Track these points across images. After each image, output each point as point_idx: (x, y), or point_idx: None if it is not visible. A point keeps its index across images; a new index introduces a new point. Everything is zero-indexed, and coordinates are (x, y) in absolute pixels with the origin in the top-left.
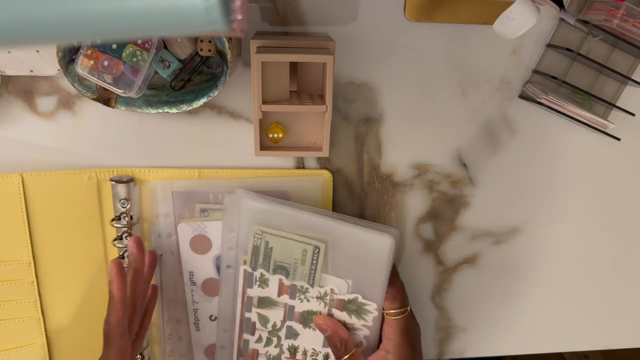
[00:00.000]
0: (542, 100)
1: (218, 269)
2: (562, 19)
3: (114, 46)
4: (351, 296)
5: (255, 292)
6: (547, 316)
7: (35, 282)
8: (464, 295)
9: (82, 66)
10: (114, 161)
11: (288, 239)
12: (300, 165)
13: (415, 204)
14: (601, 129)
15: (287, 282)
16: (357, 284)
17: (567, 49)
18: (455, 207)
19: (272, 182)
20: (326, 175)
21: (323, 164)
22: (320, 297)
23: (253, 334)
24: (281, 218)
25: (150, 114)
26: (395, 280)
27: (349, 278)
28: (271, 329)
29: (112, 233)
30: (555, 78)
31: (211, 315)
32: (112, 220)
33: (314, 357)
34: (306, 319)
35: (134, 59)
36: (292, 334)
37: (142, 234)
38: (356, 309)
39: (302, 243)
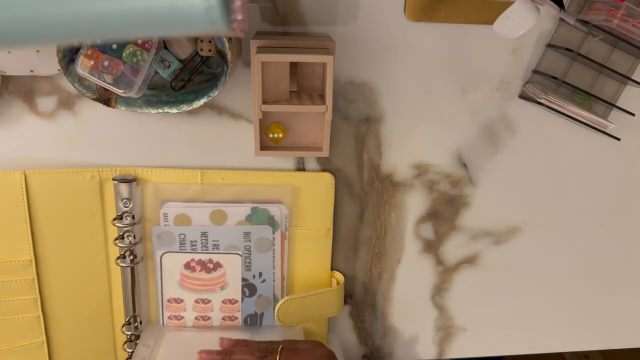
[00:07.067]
0: (542, 100)
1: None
2: (562, 19)
3: (114, 46)
4: None
5: None
6: (547, 316)
7: (35, 280)
8: (464, 295)
9: (83, 66)
10: (114, 161)
11: None
12: (301, 165)
13: (415, 204)
14: (601, 129)
15: None
16: None
17: (567, 49)
18: (455, 207)
19: (274, 184)
20: (328, 177)
21: (323, 164)
22: None
23: None
24: None
25: (150, 114)
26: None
27: None
28: None
29: (113, 232)
30: (555, 78)
31: None
32: (114, 219)
33: None
34: None
35: (134, 59)
36: None
37: (144, 233)
38: None
39: None
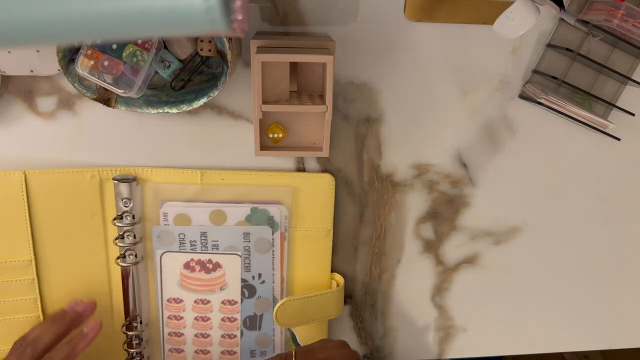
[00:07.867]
0: (542, 100)
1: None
2: (562, 19)
3: (114, 46)
4: None
5: None
6: (547, 316)
7: (35, 280)
8: (464, 295)
9: (83, 66)
10: (114, 161)
11: None
12: (301, 165)
13: (415, 204)
14: (601, 129)
15: None
16: None
17: (567, 49)
18: (455, 207)
19: (273, 185)
20: (328, 179)
21: (323, 164)
22: None
23: None
24: None
25: (150, 114)
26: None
27: None
28: None
29: (113, 232)
30: (555, 78)
31: None
32: (114, 219)
33: None
34: None
35: (134, 59)
36: None
37: (144, 233)
38: None
39: None
